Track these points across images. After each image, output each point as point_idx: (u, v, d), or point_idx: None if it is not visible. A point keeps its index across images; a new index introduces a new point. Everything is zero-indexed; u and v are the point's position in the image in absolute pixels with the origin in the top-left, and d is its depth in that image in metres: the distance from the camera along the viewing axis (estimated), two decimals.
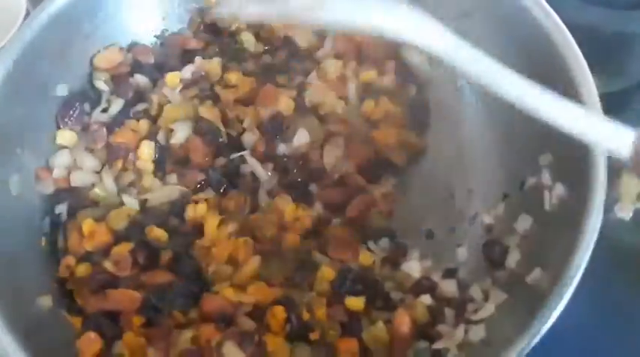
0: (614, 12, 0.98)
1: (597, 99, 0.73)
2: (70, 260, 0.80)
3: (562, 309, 0.63)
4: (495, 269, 0.78)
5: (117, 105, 0.90)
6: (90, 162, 0.86)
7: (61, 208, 0.83)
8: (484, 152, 0.87)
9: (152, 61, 0.93)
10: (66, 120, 0.86)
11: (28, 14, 0.99)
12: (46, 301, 0.76)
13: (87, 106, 0.89)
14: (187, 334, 0.74)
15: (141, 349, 0.74)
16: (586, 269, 0.65)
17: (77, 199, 0.84)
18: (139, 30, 0.94)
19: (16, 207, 0.80)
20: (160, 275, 0.78)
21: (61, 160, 0.85)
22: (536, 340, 0.62)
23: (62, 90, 0.87)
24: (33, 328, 0.71)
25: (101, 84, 0.90)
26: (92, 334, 0.74)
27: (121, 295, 0.76)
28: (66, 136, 0.86)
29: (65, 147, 0.86)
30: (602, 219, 0.66)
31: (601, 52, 0.83)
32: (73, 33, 0.87)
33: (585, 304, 0.65)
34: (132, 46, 0.93)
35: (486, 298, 0.76)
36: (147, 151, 0.86)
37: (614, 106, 0.74)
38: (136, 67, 0.92)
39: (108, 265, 0.78)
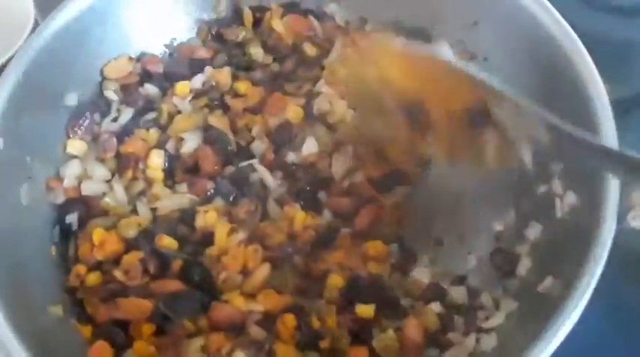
0: (621, 19, 0.98)
1: (608, 105, 0.73)
2: (80, 269, 0.80)
3: (575, 320, 0.63)
4: (505, 277, 0.78)
5: (127, 114, 0.90)
6: (100, 171, 0.86)
7: (72, 218, 0.83)
8: None
9: (161, 70, 0.93)
10: (76, 129, 0.87)
11: (36, 24, 0.99)
12: (56, 311, 0.76)
13: (97, 116, 0.89)
14: (197, 343, 0.73)
15: None
16: (598, 279, 0.64)
17: (88, 208, 0.84)
18: (148, 39, 0.94)
19: (27, 216, 0.80)
20: (170, 284, 0.78)
21: (72, 169, 0.85)
22: (550, 351, 0.62)
23: (72, 99, 0.87)
24: (43, 338, 0.71)
25: (111, 93, 0.90)
26: (103, 344, 0.74)
27: (131, 303, 0.76)
28: (76, 146, 0.86)
29: (75, 157, 0.86)
30: (615, 228, 0.66)
31: (608, 58, 0.83)
32: (83, 43, 0.87)
33: (598, 314, 0.65)
34: (141, 56, 0.93)
35: (497, 306, 0.75)
36: (156, 160, 0.86)
37: (621, 113, 0.74)
38: (146, 76, 0.92)
39: (118, 274, 0.78)
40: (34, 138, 0.82)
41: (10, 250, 0.75)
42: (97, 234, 0.80)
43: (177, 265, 0.79)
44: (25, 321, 0.70)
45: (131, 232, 0.81)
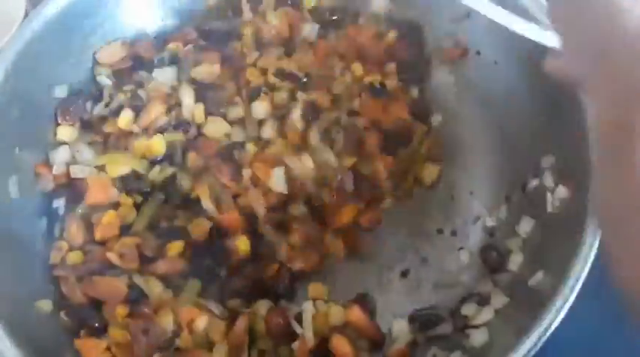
0: None
1: None
2: (63, 244, 0.79)
3: (565, 313, 0.63)
4: (496, 272, 0.78)
5: (119, 99, 0.87)
6: (89, 155, 0.84)
7: (59, 203, 0.82)
8: (485, 154, 0.87)
9: (154, 56, 0.91)
10: (66, 116, 0.85)
11: (27, 14, 0.98)
12: (44, 305, 0.76)
13: (88, 105, 0.88)
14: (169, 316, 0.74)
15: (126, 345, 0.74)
16: (589, 273, 0.64)
17: (76, 192, 0.83)
18: (141, 26, 0.92)
19: (16, 209, 0.79)
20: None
21: (61, 155, 0.84)
22: (539, 344, 0.62)
23: (62, 91, 0.86)
24: (32, 332, 0.71)
25: (103, 79, 0.89)
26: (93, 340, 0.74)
27: (108, 283, 0.76)
28: (66, 132, 0.85)
29: (65, 143, 0.85)
30: None
31: None
32: (74, 32, 0.86)
33: (588, 308, 0.65)
34: (134, 42, 0.91)
35: (488, 301, 0.75)
36: None
37: None
38: (138, 61, 0.90)
39: (112, 257, 0.77)
40: (24, 129, 0.81)
41: None
42: (109, 216, 0.79)
43: (174, 246, 0.79)
44: (14, 316, 0.69)
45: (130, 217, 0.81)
